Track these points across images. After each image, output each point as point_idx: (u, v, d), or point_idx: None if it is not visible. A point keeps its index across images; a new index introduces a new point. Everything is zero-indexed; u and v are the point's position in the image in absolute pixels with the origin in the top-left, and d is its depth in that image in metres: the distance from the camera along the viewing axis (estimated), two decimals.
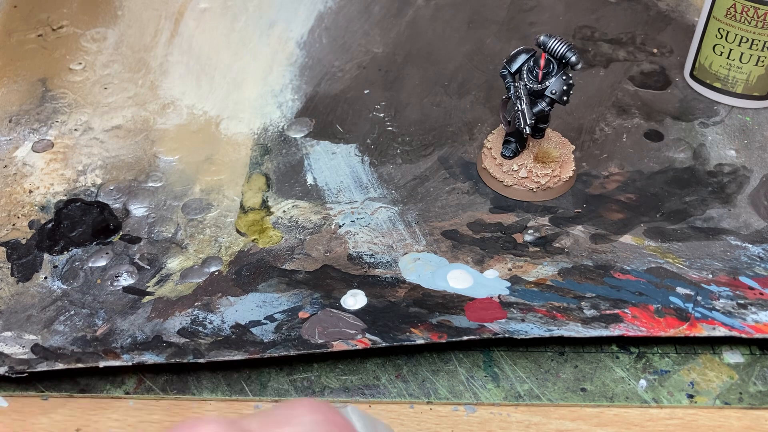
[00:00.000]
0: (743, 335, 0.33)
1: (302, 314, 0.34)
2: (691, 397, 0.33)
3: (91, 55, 0.49)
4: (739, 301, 0.34)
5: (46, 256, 0.38)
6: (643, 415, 0.32)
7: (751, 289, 0.35)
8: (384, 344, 0.33)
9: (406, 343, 0.33)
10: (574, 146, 0.40)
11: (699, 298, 0.34)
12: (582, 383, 0.33)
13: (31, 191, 0.41)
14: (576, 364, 0.34)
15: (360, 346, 0.33)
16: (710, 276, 0.35)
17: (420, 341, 0.33)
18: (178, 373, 0.34)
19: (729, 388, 0.33)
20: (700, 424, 0.32)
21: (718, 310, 0.34)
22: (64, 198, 0.41)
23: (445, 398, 0.33)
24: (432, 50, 0.49)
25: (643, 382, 0.33)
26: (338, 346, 0.33)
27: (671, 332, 0.33)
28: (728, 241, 0.37)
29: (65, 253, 0.38)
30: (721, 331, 0.33)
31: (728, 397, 0.32)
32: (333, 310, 0.35)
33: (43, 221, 0.39)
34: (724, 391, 0.33)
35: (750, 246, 0.37)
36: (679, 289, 0.35)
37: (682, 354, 0.34)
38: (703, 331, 0.33)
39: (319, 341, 0.33)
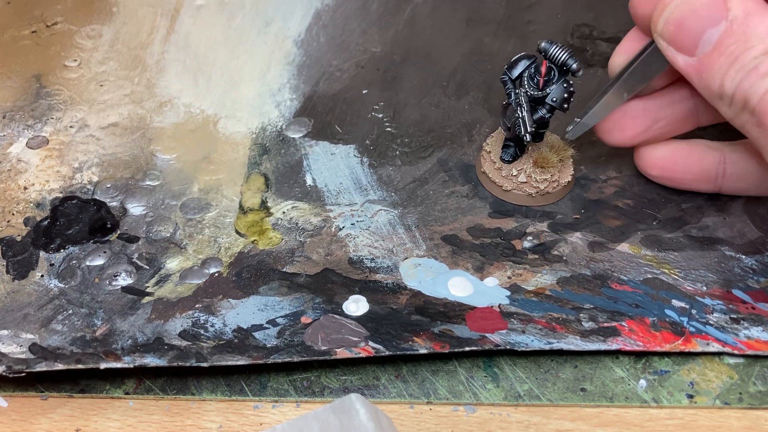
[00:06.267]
0: (735, 351, 0.34)
1: (304, 319, 0.34)
2: (690, 397, 0.33)
3: (86, 51, 0.49)
4: (732, 316, 0.35)
5: (42, 253, 0.38)
6: (643, 415, 0.33)
7: (744, 303, 0.35)
8: (387, 353, 0.33)
9: (409, 352, 0.33)
10: (573, 150, 0.40)
11: (693, 311, 0.35)
12: (582, 383, 0.33)
13: (26, 188, 0.41)
14: (576, 364, 0.34)
15: (363, 354, 0.33)
16: (705, 288, 0.36)
17: (423, 351, 0.33)
18: (178, 373, 0.34)
19: (729, 388, 0.33)
20: (700, 424, 0.32)
21: (711, 325, 0.34)
22: (60, 195, 0.40)
23: (444, 398, 0.33)
24: (430, 49, 0.49)
25: (642, 382, 0.33)
26: (341, 353, 0.33)
27: (667, 347, 0.34)
28: (723, 252, 0.38)
29: (62, 251, 0.38)
30: (714, 347, 0.34)
31: (728, 397, 0.33)
32: (335, 315, 0.35)
33: (38, 218, 0.39)
34: (723, 391, 0.33)
35: (744, 257, 0.37)
36: (675, 302, 0.35)
37: (682, 354, 0.34)
38: (698, 346, 0.34)
39: (323, 348, 0.33)
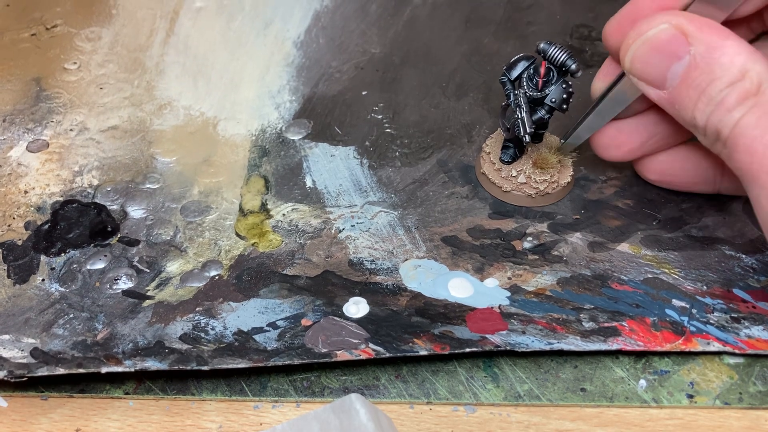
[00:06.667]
0: (736, 351, 0.34)
1: (305, 321, 0.35)
2: (690, 397, 0.33)
3: (85, 54, 0.49)
4: (732, 315, 0.35)
5: (42, 257, 0.38)
6: (643, 415, 0.33)
7: (744, 302, 0.35)
8: (387, 355, 0.33)
9: (409, 354, 0.33)
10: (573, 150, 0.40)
11: (694, 311, 0.35)
12: (582, 383, 0.33)
13: (26, 192, 0.41)
14: (576, 364, 0.34)
15: (364, 356, 0.33)
16: (705, 288, 0.36)
17: (423, 352, 0.33)
18: (178, 373, 0.34)
19: (729, 388, 0.33)
20: (700, 424, 0.32)
21: (712, 324, 0.34)
22: (61, 199, 0.40)
23: (444, 398, 0.33)
24: (429, 50, 0.49)
25: (642, 382, 0.33)
26: (342, 355, 0.33)
27: (667, 347, 0.34)
28: (723, 251, 0.38)
29: (62, 255, 0.38)
30: (715, 346, 0.34)
31: (728, 397, 0.33)
32: (336, 318, 0.35)
33: (39, 222, 0.39)
34: (724, 391, 0.33)
35: (744, 256, 0.37)
36: (675, 302, 0.35)
37: (682, 354, 0.34)
38: (698, 346, 0.34)
39: (323, 350, 0.33)
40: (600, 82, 0.37)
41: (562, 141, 0.39)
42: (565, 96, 0.36)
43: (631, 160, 0.39)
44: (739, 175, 0.31)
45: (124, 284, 0.36)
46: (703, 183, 0.38)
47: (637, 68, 0.33)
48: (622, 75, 0.35)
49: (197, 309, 0.35)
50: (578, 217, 0.39)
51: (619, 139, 0.37)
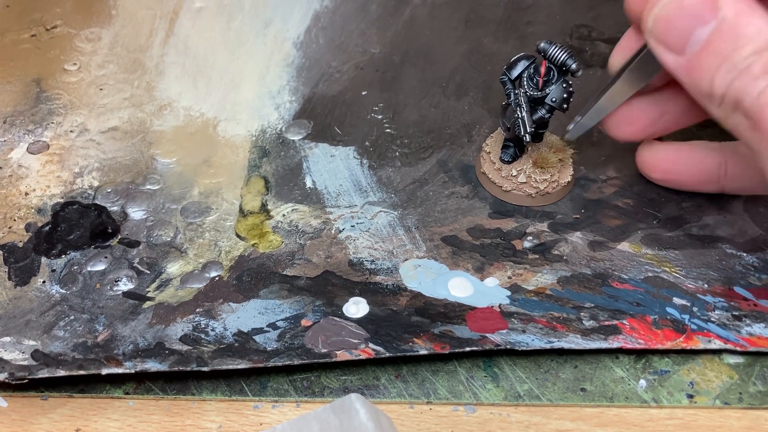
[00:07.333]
0: (738, 348, 0.34)
1: (305, 322, 0.35)
2: (690, 397, 0.33)
3: (85, 55, 0.49)
4: (733, 313, 0.35)
5: (43, 259, 0.38)
6: (643, 415, 0.33)
7: (746, 300, 0.35)
8: (387, 354, 0.33)
9: (409, 353, 0.33)
10: (572, 150, 0.40)
11: (695, 309, 0.35)
12: (582, 383, 0.33)
13: (27, 193, 0.41)
14: (576, 364, 0.34)
15: (364, 356, 0.33)
16: (706, 286, 0.36)
17: (423, 352, 0.33)
18: (178, 373, 0.34)
19: (729, 388, 0.33)
20: (700, 424, 0.32)
21: (713, 322, 0.34)
22: (61, 200, 0.40)
23: (444, 398, 0.33)
24: (429, 50, 0.49)
25: (642, 382, 0.33)
26: (342, 355, 0.33)
27: (668, 345, 0.34)
28: (723, 250, 0.38)
29: (63, 256, 0.38)
30: (716, 344, 0.34)
31: (728, 397, 0.33)
32: (335, 318, 0.35)
33: (40, 224, 0.39)
34: (723, 391, 0.33)
35: (744, 255, 0.37)
36: (676, 300, 0.35)
37: (682, 354, 0.34)
38: (699, 343, 0.34)
39: (323, 350, 0.33)
40: (618, 55, 0.36)
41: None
42: (565, 95, 0.36)
43: (643, 139, 0.38)
44: (756, 147, 0.30)
45: (125, 286, 0.37)
46: (707, 181, 0.38)
47: (658, 29, 0.31)
48: (642, 48, 0.34)
49: (197, 310, 0.35)
50: (578, 216, 0.39)
51: (632, 116, 0.37)
